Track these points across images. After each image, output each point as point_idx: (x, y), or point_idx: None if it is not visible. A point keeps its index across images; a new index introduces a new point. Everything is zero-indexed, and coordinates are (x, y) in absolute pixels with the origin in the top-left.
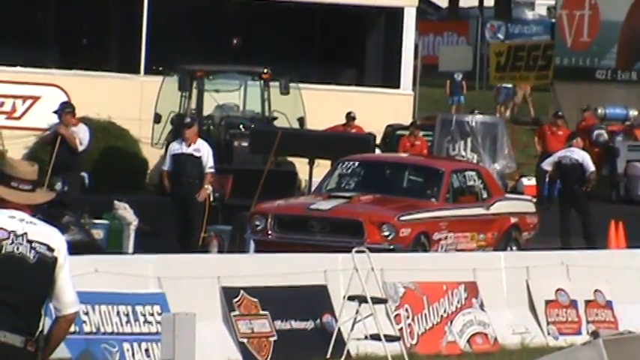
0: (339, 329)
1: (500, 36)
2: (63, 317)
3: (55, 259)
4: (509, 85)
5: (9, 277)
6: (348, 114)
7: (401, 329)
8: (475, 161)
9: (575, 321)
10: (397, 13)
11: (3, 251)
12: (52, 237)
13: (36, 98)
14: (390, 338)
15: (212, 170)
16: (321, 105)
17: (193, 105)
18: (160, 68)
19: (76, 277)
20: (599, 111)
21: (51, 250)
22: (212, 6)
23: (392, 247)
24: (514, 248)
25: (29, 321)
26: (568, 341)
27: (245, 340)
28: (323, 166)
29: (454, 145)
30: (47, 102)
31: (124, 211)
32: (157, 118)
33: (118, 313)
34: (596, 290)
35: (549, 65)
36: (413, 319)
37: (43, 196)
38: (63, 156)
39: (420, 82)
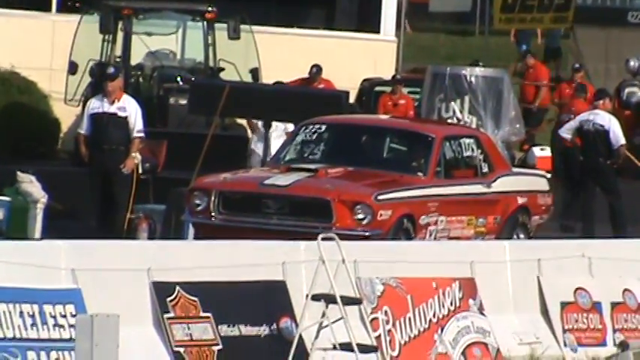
0: (300, 336)
1: None
2: None
3: None
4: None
5: None
6: (311, 69)
7: (379, 337)
8: (474, 126)
9: (599, 328)
10: None
11: None
12: None
13: None
14: (364, 348)
15: (141, 134)
16: (281, 53)
17: (118, 52)
18: (77, 4)
19: None
20: (632, 63)
21: None
22: None
23: (368, 233)
24: (522, 236)
25: None
26: (589, 354)
27: (181, 349)
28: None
29: (447, 106)
30: None
31: (30, 184)
32: (73, 68)
33: (21, 313)
34: (625, 290)
35: (569, 5)
36: (394, 325)
37: None
38: None
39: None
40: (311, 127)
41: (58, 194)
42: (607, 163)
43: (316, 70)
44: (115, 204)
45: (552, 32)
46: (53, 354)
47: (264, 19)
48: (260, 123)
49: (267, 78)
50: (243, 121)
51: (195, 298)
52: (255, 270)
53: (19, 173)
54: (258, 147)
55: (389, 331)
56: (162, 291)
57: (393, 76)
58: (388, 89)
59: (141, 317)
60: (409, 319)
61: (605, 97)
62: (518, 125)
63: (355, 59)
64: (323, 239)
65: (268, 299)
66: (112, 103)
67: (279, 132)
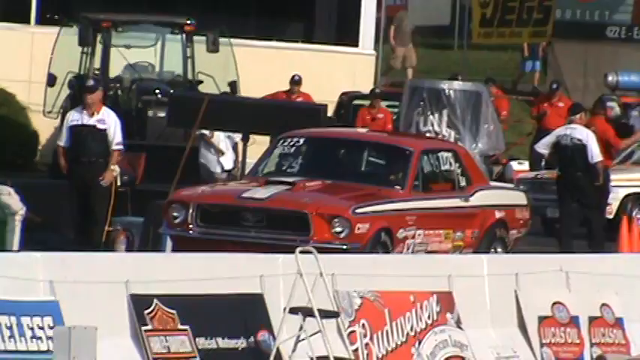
0: (277, 349)
1: None
2: None
3: None
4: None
5: None
6: (292, 78)
7: (356, 350)
8: (452, 140)
9: (577, 343)
10: None
11: None
12: None
13: None
14: None
15: (120, 147)
16: (259, 66)
17: (97, 64)
18: (56, 17)
19: None
20: (610, 78)
21: None
22: None
23: (345, 246)
24: (499, 250)
25: None
26: None
27: None
28: (260, 144)
29: (426, 119)
30: None
31: (8, 197)
32: (51, 80)
33: None
34: (603, 305)
35: (548, 19)
36: (371, 338)
37: None
38: None
39: (385, 40)
40: (289, 140)
41: (37, 206)
42: (586, 177)
43: (297, 79)
44: (93, 216)
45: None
46: None
47: (243, 31)
48: (208, 133)
49: (246, 91)
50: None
51: (173, 311)
52: (233, 283)
53: None
54: (206, 159)
55: (366, 344)
56: (140, 303)
57: (372, 91)
58: (367, 103)
59: (119, 329)
60: (387, 332)
61: (582, 111)
62: (497, 139)
63: (334, 72)
64: (301, 252)
65: (246, 312)
66: (92, 115)
67: (224, 142)
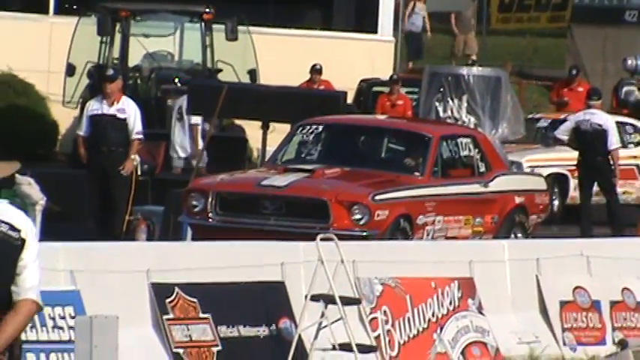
0: (299, 337)
1: None
2: (22, 301)
3: (23, 240)
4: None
5: None
6: (313, 66)
7: (378, 337)
8: (472, 126)
9: (598, 327)
10: None
11: None
12: (15, 216)
13: None
14: (364, 348)
15: (140, 136)
16: (278, 54)
17: (116, 54)
18: (74, 7)
19: None
20: (630, 62)
21: (15, 230)
22: None
23: (365, 233)
24: (520, 235)
25: None
26: (589, 353)
27: (181, 350)
28: (280, 131)
29: (445, 105)
30: None
31: (29, 187)
32: (70, 70)
33: None
34: (624, 289)
35: (566, 4)
36: (393, 325)
37: (3, 169)
38: None
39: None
40: (308, 127)
41: (57, 196)
42: (606, 161)
43: (318, 68)
44: (113, 206)
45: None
46: (53, 356)
47: (262, 19)
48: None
49: (265, 79)
50: (241, 122)
51: (195, 300)
52: (254, 271)
53: (17, 175)
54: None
55: (388, 331)
56: (161, 292)
57: (391, 77)
58: (386, 89)
59: (140, 319)
60: (408, 318)
61: (600, 96)
62: (516, 125)
63: (353, 59)
64: (321, 240)
65: (267, 300)
66: (111, 104)
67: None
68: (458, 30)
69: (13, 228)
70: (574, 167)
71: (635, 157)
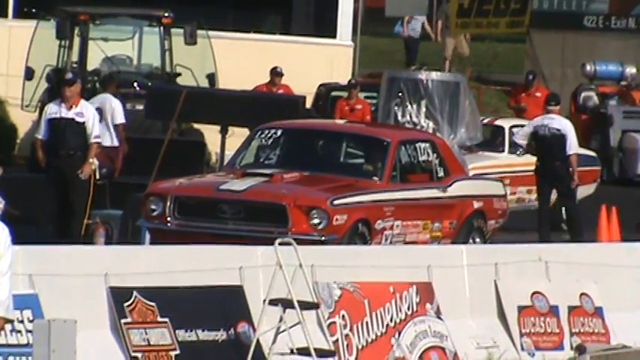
0: (257, 341)
1: None
2: None
3: None
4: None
5: None
6: (274, 69)
7: (336, 341)
8: (431, 130)
9: (556, 332)
10: None
11: None
12: None
13: None
14: (322, 353)
15: (98, 140)
16: (237, 58)
17: (75, 57)
18: (33, 10)
19: None
20: (588, 68)
21: None
22: None
23: (324, 238)
24: (478, 240)
25: None
26: (547, 358)
27: (139, 355)
28: (238, 136)
29: (404, 110)
30: None
31: None
32: (29, 74)
33: None
34: (582, 294)
35: (525, 9)
36: (351, 329)
37: None
38: None
39: (362, 31)
40: (267, 131)
41: (15, 200)
42: (564, 166)
43: (279, 71)
44: (72, 209)
45: None
46: (11, 359)
47: (221, 24)
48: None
49: (224, 83)
50: (199, 126)
51: (153, 303)
52: (213, 275)
53: None
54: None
55: (346, 335)
56: (119, 296)
57: (350, 81)
58: (345, 94)
59: (98, 322)
60: (367, 323)
61: (559, 101)
62: (474, 130)
63: (312, 64)
64: (280, 244)
65: (226, 304)
66: (70, 108)
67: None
68: (443, 34)
69: None
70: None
71: None
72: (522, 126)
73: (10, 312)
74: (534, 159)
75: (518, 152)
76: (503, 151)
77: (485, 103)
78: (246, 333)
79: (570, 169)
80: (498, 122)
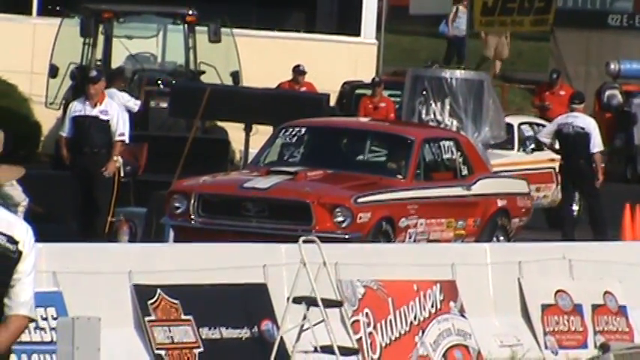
0: (281, 339)
1: None
2: (14, 316)
3: (19, 253)
4: None
5: None
6: (296, 67)
7: (360, 340)
8: (455, 129)
9: (580, 331)
10: None
11: None
12: (16, 226)
13: None
14: (345, 351)
15: (123, 138)
16: (261, 56)
17: (99, 55)
18: (57, 8)
19: None
20: (612, 66)
21: (14, 242)
22: None
23: (348, 236)
24: (502, 239)
25: None
26: (570, 356)
27: (162, 352)
28: (262, 134)
29: (428, 108)
30: None
31: (11, 188)
32: (53, 71)
33: None
34: (606, 292)
35: (549, 8)
36: (375, 328)
37: (7, 174)
38: None
39: (386, 29)
40: (291, 129)
41: (39, 197)
42: (588, 164)
43: (301, 69)
44: (96, 207)
45: None
46: (34, 357)
47: (245, 22)
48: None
49: (248, 81)
50: (223, 124)
51: (177, 301)
52: (236, 273)
53: None
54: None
55: (370, 333)
56: (143, 294)
57: (373, 79)
58: (369, 92)
59: (122, 320)
60: (390, 321)
61: (584, 99)
62: (498, 128)
63: (336, 62)
64: (304, 242)
65: (249, 302)
66: (94, 106)
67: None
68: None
69: (11, 240)
70: None
71: (552, 159)
72: (531, 123)
73: (33, 311)
74: (544, 157)
75: (527, 150)
76: (512, 148)
77: (509, 101)
78: (269, 331)
79: (594, 166)
80: (508, 119)
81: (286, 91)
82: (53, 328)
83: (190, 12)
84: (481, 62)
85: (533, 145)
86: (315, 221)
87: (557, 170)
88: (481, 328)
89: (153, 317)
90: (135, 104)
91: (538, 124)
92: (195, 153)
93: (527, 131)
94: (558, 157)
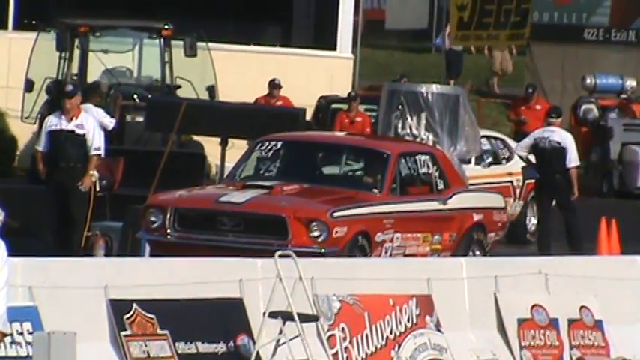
0: (257, 353)
1: None
2: None
3: None
4: None
5: None
6: (272, 81)
7: (336, 354)
8: (431, 143)
9: (556, 345)
10: None
11: None
12: None
13: None
14: None
15: (99, 152)
16: (237, 70)
17: (75, 69)
18: (34, 22)
19: None
20: (588, 80)
21: None
22: None
23: (324, 250)
24: (478, 253)
25: None
26: None
27: None
28: (238, 148)
29: (404, 123)
30: None
31: None
32: (29, 86)
33: None
34: (582, 307)
35: (525, 22)
36: (351, 342)
37: None
38: None
39: (362, 43)
40: (267, 144)
41: (15, 212)
42: (564, 179)
43: (277, 83)
44: (72, 221)
45: None
46: None
47: (221, 36)
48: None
49: (224, 95)
50: (199, 138)
51: (153, 316)
52: (212, 287)
53: None
54: None
55: (346, 347)
56: (119, 308)
57: (349, 93)
58: (345, 106)
59: (98, 334)
60: (366, 335)
61: (560, 114)
62: (474, 142)
63: (312, 76)
64: (280, 256)
65: (225, 316)
66: (70, 120)
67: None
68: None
69: None
70: None
71: (509, 174)
72: (488, 137)
73: (7, 326)
74: (501, 171)
75: (483, 164)
76: (469, 162)
77: (485, 115)
78: (245, 345)
79: (570, 181)
80: None
81: (262, 106)
82: (29, 343)
83: (166, 26)
84: (490, 77)
85: (490, 159)
86: (291, 236)
87: (514, 184)
88: (457, 343)
89: (129, 332)
90: (110, 122)
91: (496, 138)
92: (171, 167)
93: (485, 145)
94: (516, 171)
